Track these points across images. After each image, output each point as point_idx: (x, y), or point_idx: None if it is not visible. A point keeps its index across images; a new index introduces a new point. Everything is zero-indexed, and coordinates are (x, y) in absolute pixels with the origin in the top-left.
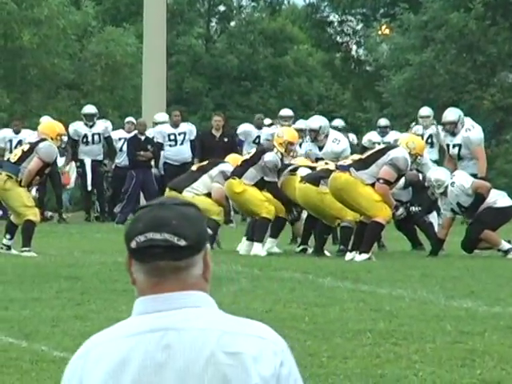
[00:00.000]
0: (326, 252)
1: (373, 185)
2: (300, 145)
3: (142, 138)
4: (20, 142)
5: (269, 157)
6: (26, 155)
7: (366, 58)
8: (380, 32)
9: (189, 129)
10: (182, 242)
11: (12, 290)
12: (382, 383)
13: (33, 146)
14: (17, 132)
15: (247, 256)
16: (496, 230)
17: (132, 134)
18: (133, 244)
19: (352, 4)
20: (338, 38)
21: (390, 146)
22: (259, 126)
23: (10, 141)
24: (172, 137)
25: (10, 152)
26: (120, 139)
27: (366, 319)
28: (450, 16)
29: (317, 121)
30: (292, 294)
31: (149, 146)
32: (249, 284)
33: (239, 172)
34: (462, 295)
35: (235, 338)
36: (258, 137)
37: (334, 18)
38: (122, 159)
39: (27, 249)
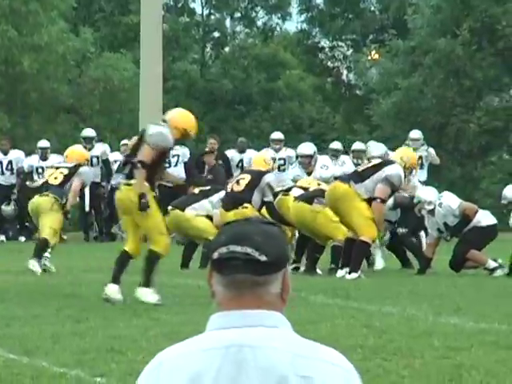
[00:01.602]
0: (318, 270)
1: (369, 201)
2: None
3: None
4: (10, 163)
5: (270, 177)
6: (67, 179)
7: (356, 82)
8: (369, 57)
9: (182, 151)
10: (263, 258)
11: (13, 307)
12: None
13: (72, 171)
14: (5, 153)
15: None
16: (482, 248)
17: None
18: (215, 255)
19: (342, 30)
20: (329, 63)
21: (385, 162)
22: (242, 150)
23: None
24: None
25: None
26: (116, 161)
27: (356, 335)
28: (438, 42)
29: (310, 147)
30: (285, 311)
31: None
32: None
33: (247, 198)
34: (449, 312)
35: (307, 362)
36: (241, 160)
37: (325, 43)
38: (117, 181)
39: (36, 260)
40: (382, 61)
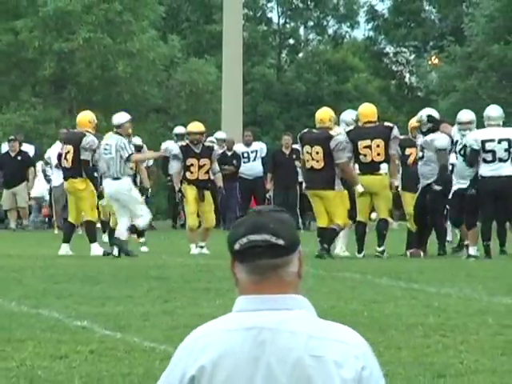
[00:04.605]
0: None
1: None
2: None
3: (229, 153)
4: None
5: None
6: None
7: (417, 84)
8: (430, 62)
9: (260, 147)
10: (280, 241)
11: (108, 288)
12: (431, 370)
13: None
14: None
15: (314, 258)
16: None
17: (221, 151)
18: (236, 246)
19: (405, 37)
20: (393, 67)
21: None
22: None
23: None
24: (245, 154)
25: None
26: None
27: (417, 314)
28: (492, 48)
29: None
30: (353, 293)
31: (234, 161)
32: (315, 283)
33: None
34: (502, 293)
35: (321, 343)
36: None
37: (389, 49)
38: None
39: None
40: (441, 65)
